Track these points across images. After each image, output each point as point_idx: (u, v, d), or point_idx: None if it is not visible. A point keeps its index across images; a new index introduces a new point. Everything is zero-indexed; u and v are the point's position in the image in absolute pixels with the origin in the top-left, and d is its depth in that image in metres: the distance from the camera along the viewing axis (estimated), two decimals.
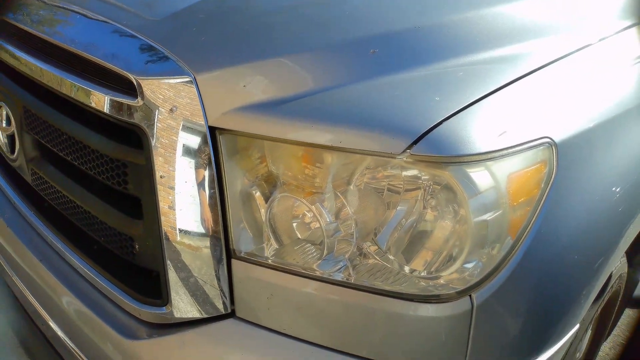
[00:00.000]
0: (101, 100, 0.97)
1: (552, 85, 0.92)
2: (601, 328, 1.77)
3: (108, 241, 1.08)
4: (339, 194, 0.88)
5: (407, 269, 0.85)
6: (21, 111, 1.25)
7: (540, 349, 0.90)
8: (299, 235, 0.93)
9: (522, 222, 0.82)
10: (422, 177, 0.81)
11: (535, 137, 0.82)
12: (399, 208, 0.85)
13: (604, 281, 1.06)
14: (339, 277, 0.88)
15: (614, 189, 0.97)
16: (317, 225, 0.89)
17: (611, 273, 1.32)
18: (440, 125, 0.78)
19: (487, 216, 0.78)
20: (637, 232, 1.15)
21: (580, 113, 0.92)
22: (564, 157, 0.85)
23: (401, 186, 0.83)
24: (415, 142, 0.77)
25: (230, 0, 1.01)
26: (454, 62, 0.90)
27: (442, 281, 0.82)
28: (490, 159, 0.78)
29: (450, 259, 0.80)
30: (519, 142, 0.80)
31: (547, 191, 0.83)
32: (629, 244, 1.12)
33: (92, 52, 1.00)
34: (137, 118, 0.91)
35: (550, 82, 0.92)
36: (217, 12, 1.00)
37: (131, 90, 0.92)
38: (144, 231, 0.98)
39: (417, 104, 0.82)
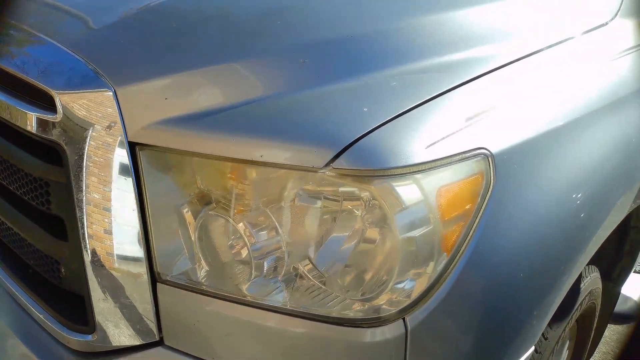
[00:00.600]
0: (24, 117, 0.92)
1: (490, 94, 0.87)
2: (580, 347, 1.70)
3: (37, 264, 1.03)
4: (268, 212, 0.83)
5: (341, 289, 0.80)
6: None
7: None
8: (231, 257, 0.88)
9: (456, 238, 0.76)
10: (351, 193, 0.76)
11: (469, 148, 0.78)
12: (333, 226, 0.80)
13: (563, 298, 1.00)
14: (274, 301, 0.83)
15: (566, 198, 0.92)
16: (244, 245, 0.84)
17: (579, 289, 1.27)
18: (367, 137, 0.74)
19: (416, 232, 0.73)
20: (598, 245, 1.10)
21: (521, 123, 0.88)
22: (503, 168, 0.80)
23: (333, 202, 0.79)
24: (338, 155, 0.72)
25: (160, 11, 0.97)
26: (388, 72, 0.86)
27: (375, 303, 0.77)
28: (418, 171, 0.73)
29: (382, 279, 0.75)
30: (450, 154, 0.76)
31: (484, 204, 0.79)
32: (589, 258, 1.06)
33: (19, 68, 0.95)
34: (55, 135, 0.86)
35: (488, 91, 0.88)
36: (147, 23, 0.96)
37: (53, 106, 0.87)
38: (69, 253, 0.93)
39: (344, 115, 0.78)
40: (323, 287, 0.82)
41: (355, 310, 0.78)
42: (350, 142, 0.73)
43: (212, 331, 0.85)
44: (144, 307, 0.88)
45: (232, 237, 0.86)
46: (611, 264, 1.70)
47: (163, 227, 0.87)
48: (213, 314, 0.84)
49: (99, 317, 0.90)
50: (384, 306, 0.76)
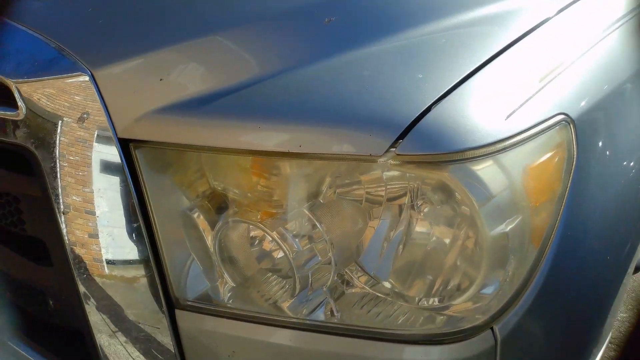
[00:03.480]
0: None
1: (562, 46, 0.73)
2: None
3: (17, 296, 0.84)
4: (306, 211, 0.67)
5: (407, 297, 0.66)
6: None
7: None
8: (263, 270, 0.72)
9: (545, 226, 0.63)
10: (413, 182, 0.61)
11: (550, 115, 0.64)
12: (386, 218, 0.65)
13: None
14: (319, 318, 0.69)
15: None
16: (282, 254, 0.68)
17: None
18: (430, 112, 0.58)
19: (505, 225, 0.59)
20: None
21: (594, 79, 0.74)
22: (583, 136, 0.67)
23: (385, 192, 0.64)
24: (401, 137, 0.56)
25: None
26: (433, 28, 0.70)
27: (455, 311, 0.63)
28: (501, 150, 0.58)
29: (465, 283, 0.61)
30: (532, 124, 0.61)
31: (569, 182, 0.65)
32: None
33: None
34: (20, 136, 0.67)
35: (554, 41, 0.73)
36: None
37: (11, 99, 0.67)
38: (56, 281, 0.75)
39: (395, 85, 0.62)
40: (380, 295, 0.68)
41: (430, 322, 0.64)
42: (412, 120, 0.57)
43: None
44: (161, 340, 0.72)
45: (265, 245, 0.70)
46: None
47: (175, 241, 0.70)
48: (253, 341, 0.69)
49: (103, 356, 0.73)
50: (467, 316, 0.62)
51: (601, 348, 0.78)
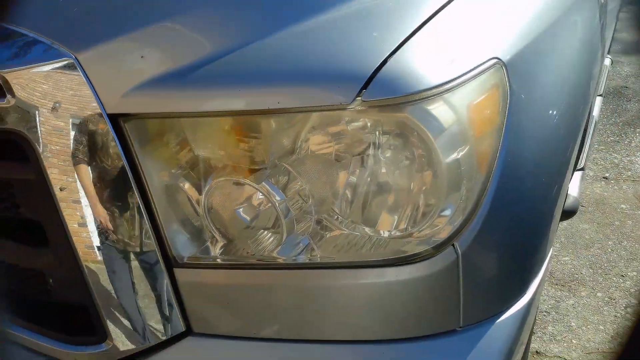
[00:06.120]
0: None
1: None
2: None
3: (13, 281, 0.88)
4: (285, 165, 0.75)
5: (380, 231, 0.75)
6: None
7: (528, 280, 0.86)
8: (248, 223, 0.80)
9: (489, 155, 0.74)
10: (377, 126, 0.70)
11: (485, 60, 0.75)
12: (355, 166, 0.75)
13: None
14: (303, 259, 0.77)
15: (559, 99, 0.93)
16: (268, 206, 0.76)
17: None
18: (387, 63, 0.68)
19: (457, 154, 0.69)
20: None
21: (525, 24, 0.86)
22: (514, 76, 0.79)
23: (354, 141, 0.73)
24: (365, 86, 0.66)
25: None
26: None
27: (422, 235, 0.74)
28: (447, 90, 0.69)
29: (428, 209, 0.72)
30: (471, 67, 0.72)
31: (505, 116, 0.77)
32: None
33: None
34: (11, 122, 0.71)
35: None
36: None
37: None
38: (54, 259, 0.80)
39: (354, 43, 0.71)
40: (356, 233, 0.77)
41: (403, 246, 0.74)
42: (372, 71, 0.67)
43: (249, 305, 0.78)
44: (163, 298, 0.79)
45: (251, 201, 0.78)
46: None
47: (169, 206, 0.76)
48: (247, 286, 0.77)
49: (109, 322, 0.79)
50: (432, 236, 0.73)
51: (547, 254, 0.92)
